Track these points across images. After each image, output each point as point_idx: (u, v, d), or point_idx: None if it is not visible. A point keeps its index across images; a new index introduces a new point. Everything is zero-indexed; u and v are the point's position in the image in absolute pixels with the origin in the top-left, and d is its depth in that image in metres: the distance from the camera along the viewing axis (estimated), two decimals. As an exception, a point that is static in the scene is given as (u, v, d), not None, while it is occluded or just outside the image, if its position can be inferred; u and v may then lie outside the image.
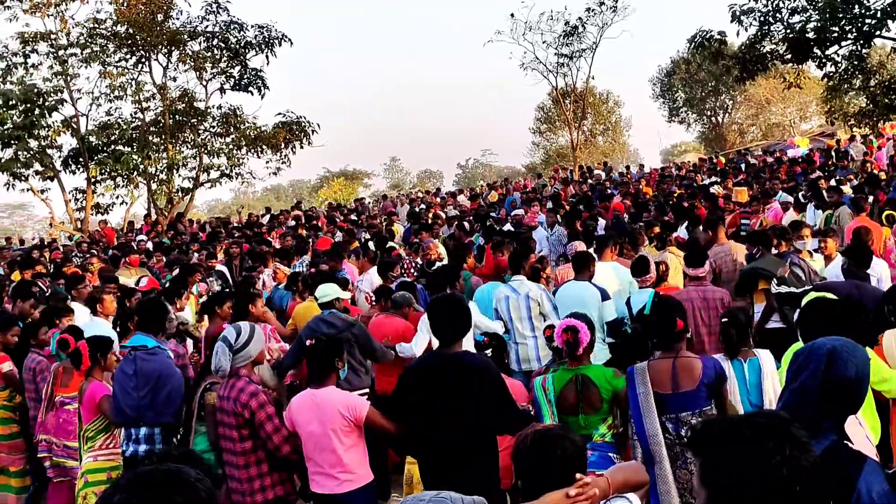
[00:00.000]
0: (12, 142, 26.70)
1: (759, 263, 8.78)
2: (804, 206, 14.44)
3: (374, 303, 8.92)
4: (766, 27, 22.52)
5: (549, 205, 17.51)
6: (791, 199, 15.32)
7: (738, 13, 22.12)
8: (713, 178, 22.65)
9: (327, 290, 7.79)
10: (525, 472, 3.13)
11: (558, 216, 14.92)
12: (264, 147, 29.65)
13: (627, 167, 34.16)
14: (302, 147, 30.17)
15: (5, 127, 26.50)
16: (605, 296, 8.32)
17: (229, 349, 5.35)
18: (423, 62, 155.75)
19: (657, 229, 11.96)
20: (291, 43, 29.69)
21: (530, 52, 38.44)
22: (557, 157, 49.45)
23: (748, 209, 14.58)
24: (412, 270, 11.12)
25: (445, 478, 4.52)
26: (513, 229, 15.20)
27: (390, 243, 14.06)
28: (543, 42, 37.58)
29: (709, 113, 57.31)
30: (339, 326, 7.29)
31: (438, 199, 26.94)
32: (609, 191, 22.16)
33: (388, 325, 8.22)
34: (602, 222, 14.72)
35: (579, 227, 12.97)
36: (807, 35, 21.69)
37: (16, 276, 14.01)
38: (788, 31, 22.02)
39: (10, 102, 26.57)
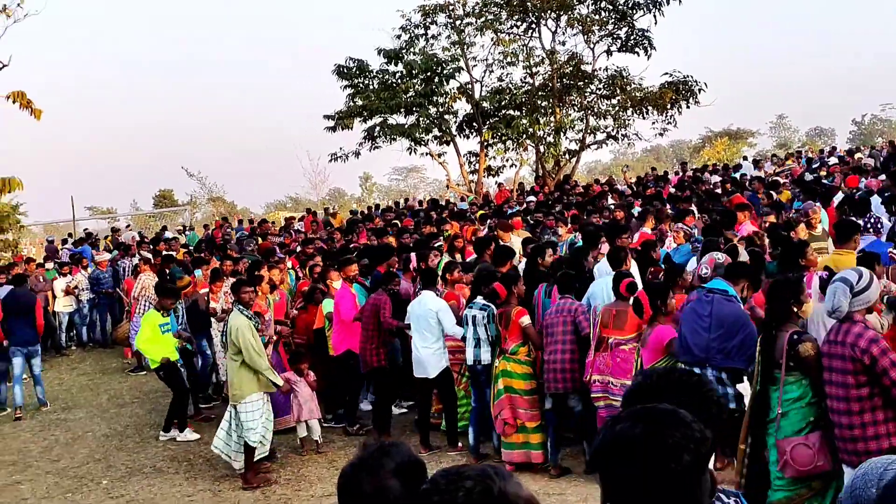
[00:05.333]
0: (414, 109, 28.73)
1: None
2: None
3: None
4: None
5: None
6: None
7: None
8: None
9: None
10: None
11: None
12: (650, 108, 29.09)
13: None
14: (688, 107, 29.18)
15: (408, 95, 28.55)
16: None
17: (850, 290, 5.25)
18: (814, 7, 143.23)
19: None
20: (680, 1, 28.74)
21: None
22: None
23: None
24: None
25: None
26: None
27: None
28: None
29: None
30: None
31: (833, 160, 24.89)
32: None
33: None
34: None
35: None
36: None
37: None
38: None
39: (413, 72, 28.58)
